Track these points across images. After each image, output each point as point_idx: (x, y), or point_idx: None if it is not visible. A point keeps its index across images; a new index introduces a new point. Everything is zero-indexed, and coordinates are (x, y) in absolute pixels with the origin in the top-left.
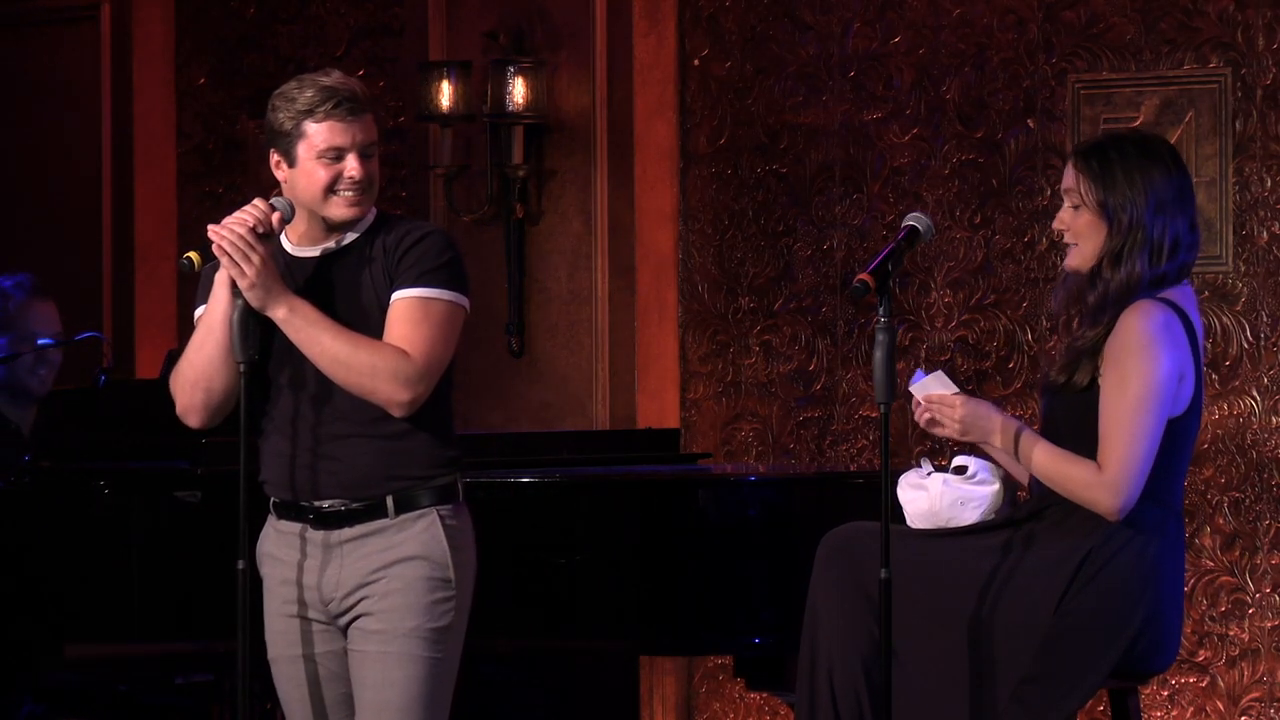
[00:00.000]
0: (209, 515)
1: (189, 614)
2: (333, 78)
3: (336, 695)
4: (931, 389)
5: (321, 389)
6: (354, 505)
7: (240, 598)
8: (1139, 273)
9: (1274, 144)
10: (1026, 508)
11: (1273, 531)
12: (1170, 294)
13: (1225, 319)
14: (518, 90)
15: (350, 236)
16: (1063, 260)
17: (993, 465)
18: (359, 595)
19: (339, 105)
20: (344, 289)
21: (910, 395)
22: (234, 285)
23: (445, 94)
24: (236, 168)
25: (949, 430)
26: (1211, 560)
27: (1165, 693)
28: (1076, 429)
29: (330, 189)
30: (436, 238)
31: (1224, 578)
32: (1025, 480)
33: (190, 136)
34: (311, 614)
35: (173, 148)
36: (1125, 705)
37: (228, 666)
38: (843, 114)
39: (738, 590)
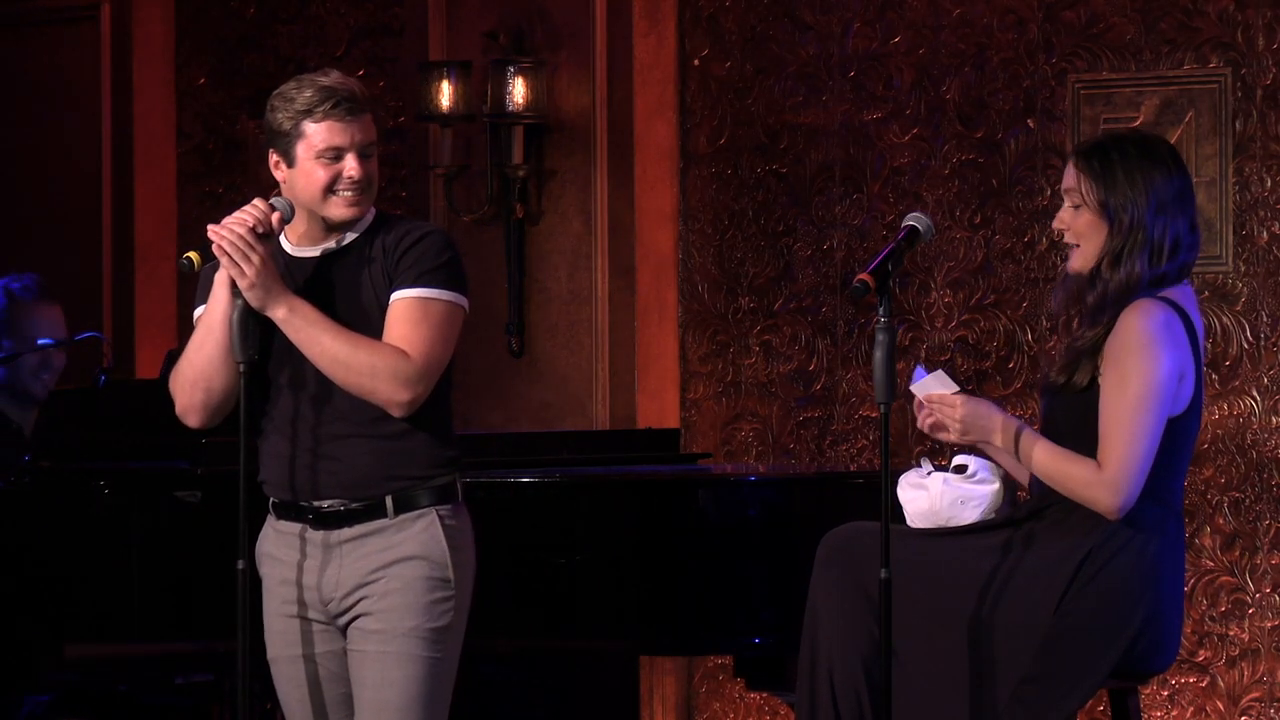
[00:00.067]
0: (209, 515)
1: (189, 614)
2: (331, 78)
3: (336, 695)
4: (931, 388)
5: (321, 389)
6: (353, 505)
7: (240, 598)
8: (1139, 273)
9: (1274, 144)
10: (1026, 507)
11: (1273, 531)
12: (1171, 293)
13: (1225, 319)
14: (518, 90)
15: (350, 236)
16: (1063, 260)
17: (993, 464)
18: (358, 595)
19: (338, 105)
20: (343, 289)
21: (910, 395)
22: (234, 285)
23: (445, 94)
24: (236, 168)
25: (951, 433)
26: (1211, 560)
27: (1165, 693)
28: (1077, 429)
29: (329, 189)
30: (436, 238)
31: (1224, 578)
32: (1025, 480)
33: (190, 136)
34: (311, 614)
35: (173, 148)
36: (1125, 705)
37: (228, 666)
38: (843, 114)
39: (738, 590)
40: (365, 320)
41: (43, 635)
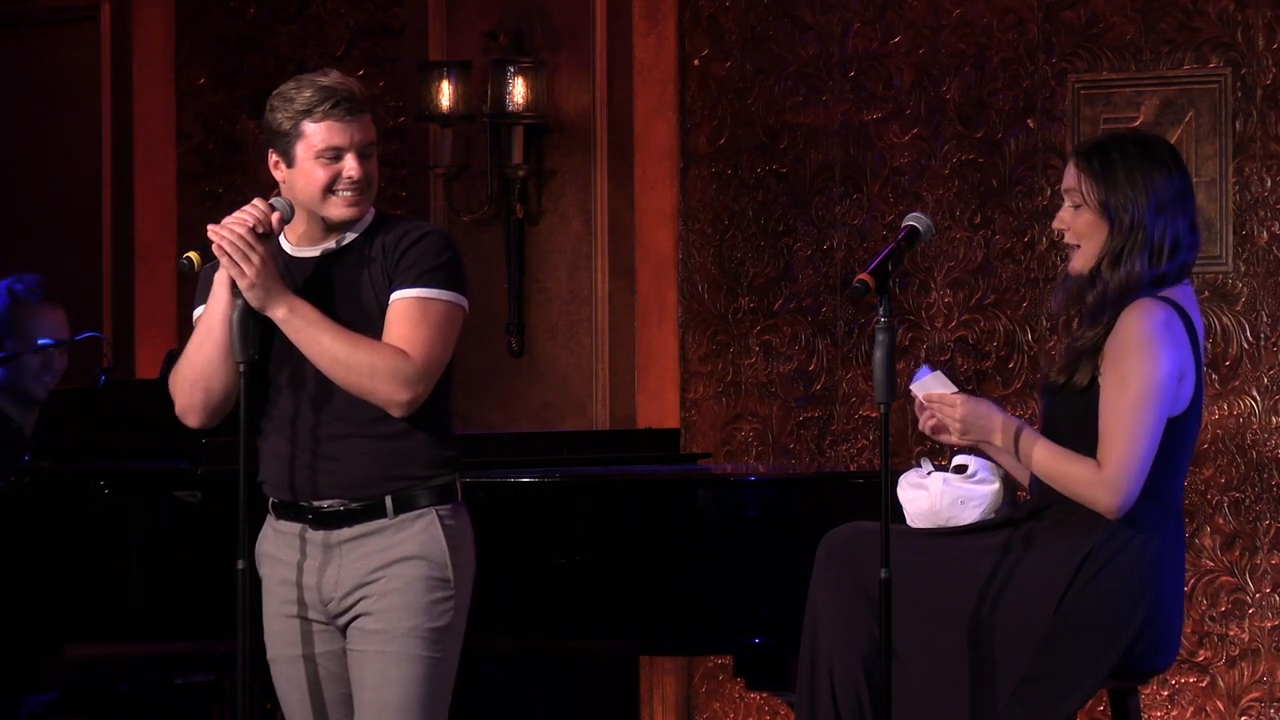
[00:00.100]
0: (209, 515)
1: (189, 614)
2: (331, 78)
3: (336, 695)
4: (931, 388)
5: (321, 389)
6: (353, 505)
7: (240, 598)
8: (1139, 273)
9: (1274, 144)
10: (1026, 507)
11: (1273, 531)
12: (1171, 293)
13: (1225, 319)
14: (518, 90)
15: (349, 236)
16: (1063, 260)
17: (992, 464)
18: (358, 595)
19: (337, 105)
20: (343, 289)
21: (910, 396)
22: (234, 285)
23: (445, 94)
24: (236, 168)
25: (952, 435)
26: (1211, 560)
27: (1165, 693)
28: (1077, 429)
29: (329, 189)
30: (435, 238)
31: (1224, 578)
32: (1025, 480)
33: (190, 136)
34: (311, 614)
35: (173, 148)
36: (1125, 705)
37: (228, 666)
38: (843, 114)
39: (738, 590)
40: (365, 320)
41: (43, 635)
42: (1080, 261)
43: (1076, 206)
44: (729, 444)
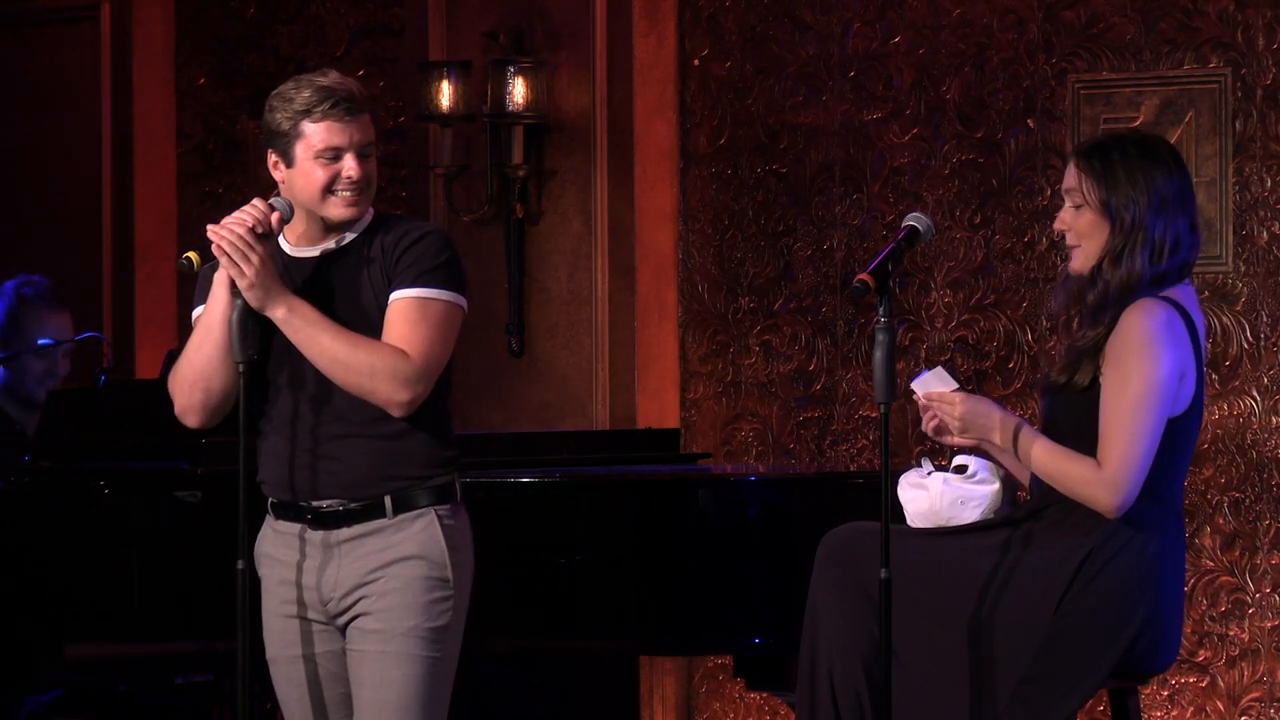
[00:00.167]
0: (209, 515)
1: (189, 614)
2: (330, 78)
3: (335, 695)
4: (932, 386)
5: (320, 389)
6: (352, 505)
7: (240, 598)
8: (1139, 271)
9: (1274, 144)
10: (1026, 507)
11: (1273, 531)
12: (1172, 292)
13: (1225, 319)
14: (518, 90)
15: (349, 237)
16: (1063, 260)
17: (992, 464)
18: (357, 595)
19: (336, 105)
20: (343, 289)
21: (912, 395)
22: (233, 285)
23: (445, 94)
24: (236, 168)
25: (953, 436)
26: (1211, 560)
27: (1165, 693)
28: (1078, 429)
29: (328, 189)
30: (434, 238)
31: (1224, 578)
32: (1026, 479)
33: (190, 136)
34: (310, 614)
35: (173, 148)
36: (1125, 705)
37: (228, 666)
38: (843, 114)
39: (738, 590)
40: (364, 320)
41: (43, 635)
42: (1081, 261)
43: (1078, 207)
44: (729, 444)
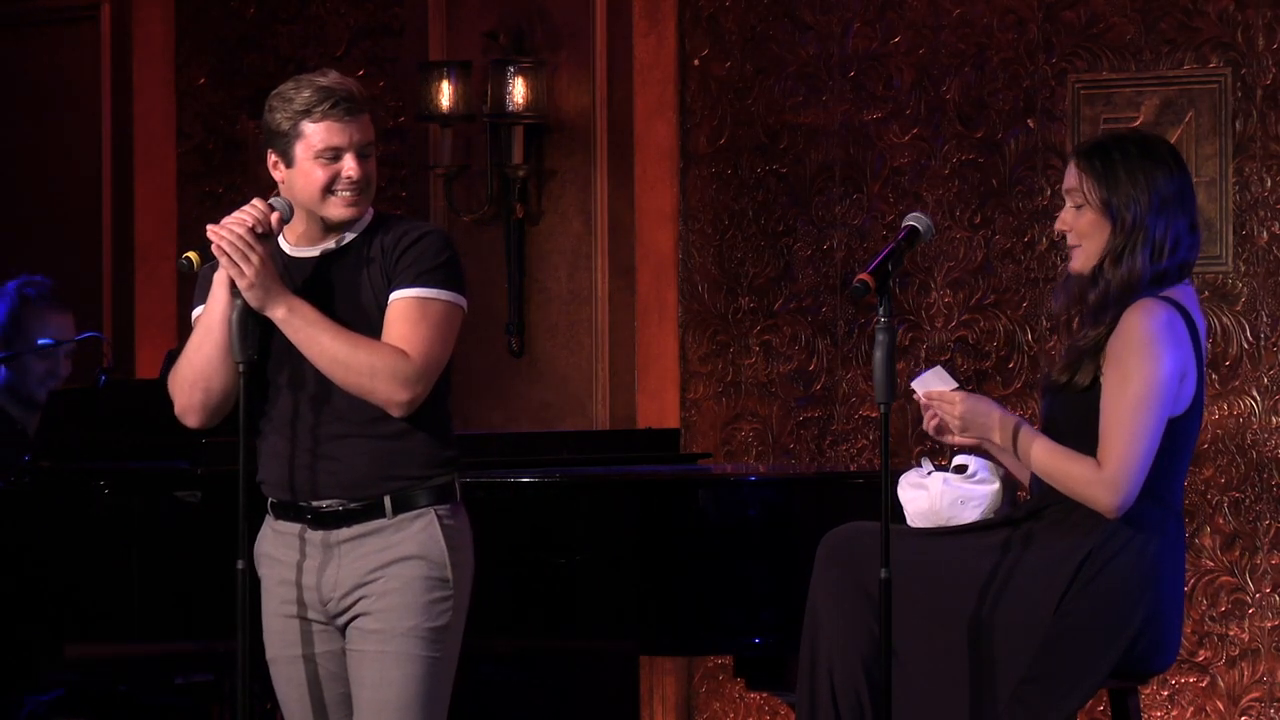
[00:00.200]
0: (209, 515)
1: (189, 614)
2: (329, 78)
3: (335, 695)
4: (931, 385)
5: (320, 389)
6: (352, 505)
7: (240, 598)
8: (1140, 271)
9: (1274, 144)
10: (1026, 507)
11: (1273, 531)
12: (1173, 293)
13: (1225, 319)
14: (518, 90)
15: (348, 237)
16: (1063, 260)
17: (992, 464)
18: (357, 595)
19: (336, 105)
20: (343, 289)
21: (912, 395)
22: (233, 285)
23: (445, 94)
24: (236, 168)
25: (954, 435)
26: (1211, 560)
27: (1165, 693)
28: (1078, 429)
29: (328, 189)
30: (434, 238)
31: (1224, 578)
32: (1026, 479)
33: (190, 136)
34: (310, 614)
35: (173, 148)
36: (1125, 705)
37: (228, 666)
38: (843, 114)
39: (738, 590)
40: (364, 320)
41: (43, 635)
42: (1081, 261)
43: (1078, 206)
44: (729, 444)
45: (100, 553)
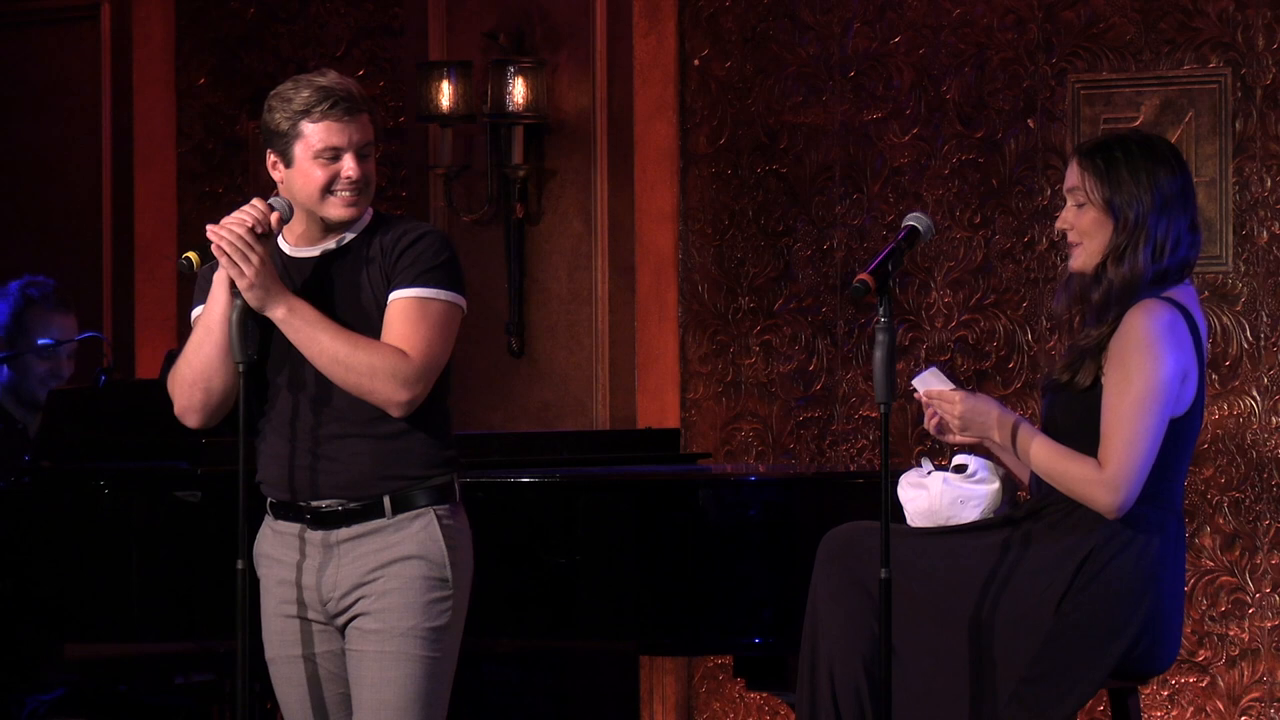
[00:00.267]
0: (209, 515)
1: (189, 614)
2: (329, 78)
3: (335, 695)
4: (930, 384)
5: (320, 389)
6: (351, 505)
7: (240, 598)
8: (1141, 269)
9: (1274, 144)
10: (1026, 506)
11: (1273, 531)
12: (1174, 293)
13: (1225, 319)
14: (518, 90)
15: (348, 237)
16: (1063, 260)
17: (992, 464)
18: (356, 595)
19: (335, 105)
20: (343, 289)
21: (913, 394)
22: (233, 285)
23: (445, 94)
24: (236, 168)
25: (955, 435)
26: (1211, 560)
27: (1165, 693)
28: (1078, 428)
29: (327, 189)
30: (433, 238)
31: (1224, 578)
32: (1027, 478)
33: (190, 136)
34: (309, 614)
35: (173, 148)
36: (1125, 705)
37: (228, 666)
38: (843, 114)
39: (738, 590)
40: (364, 320)
41: (43, 635)
42: (1081, 259)
43: (1080, 205)
44: (729, 444)
45: (100, 553)
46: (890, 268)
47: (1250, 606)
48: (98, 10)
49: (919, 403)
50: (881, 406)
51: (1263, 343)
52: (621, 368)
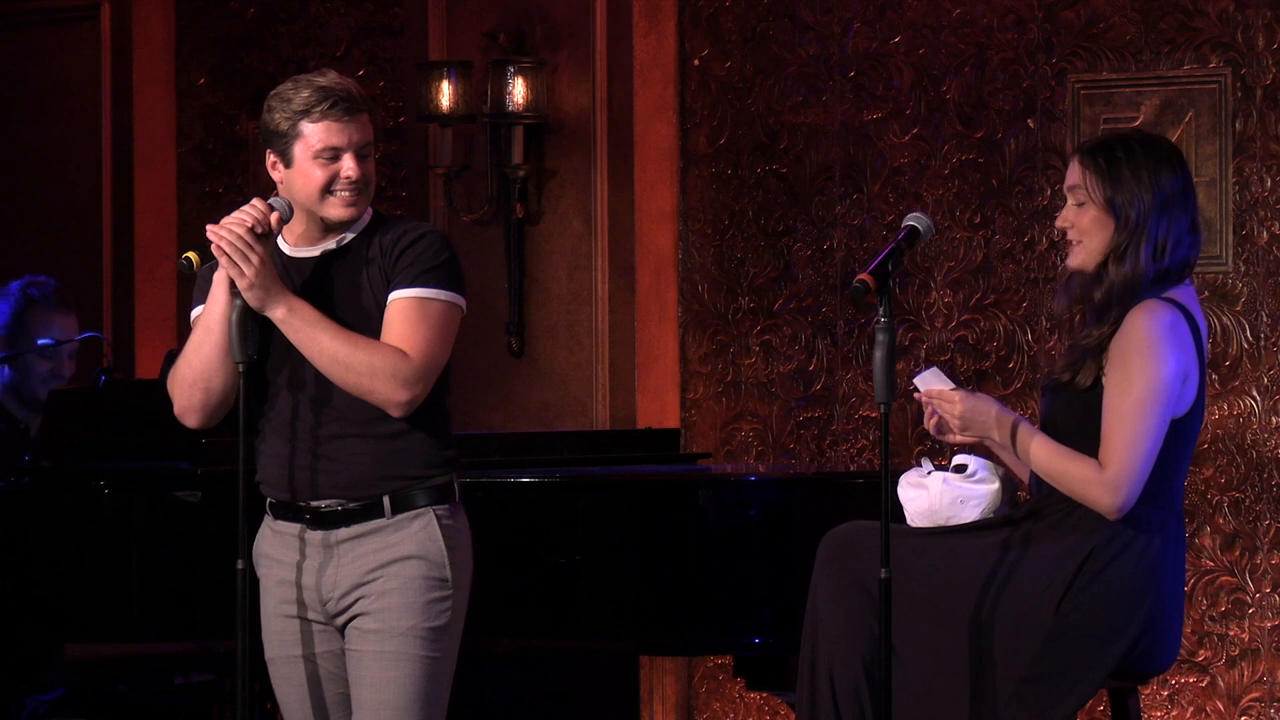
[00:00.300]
0: (209, 515)
1: (189, 614)
2: (328, 78)
3: (334, 695)
4: (930, 384)
5: (319, 389)
6: (351, 505)
7: (240, 598)
8: (1142, 268)
9: (1274, 144)
10: (1026, 506)
11: (1273, 531)
12: (1175, 294)
13: (1225, 319)
14: (518, 90)
15: (348, 237)
16: (1063, 260)
17: (992, 464)
18: (356, 595)
19: (335, 105)
20: (342, 289)
21: (913, 394)
22: (233, 285)
23: (445, 94)
24: (236, 168)
25: (955, 435)
26: (1211, 560)
27: (1165, 693)
28: (1077, 428)
29: (327, 189)
30: (433, 238)
31: (1224, 578)
32: (1027, 478)
33: (190, 136)
34: (309, 614)
35: (173, 148)
36: (1125, 705)
37: (228, 666)
38: (843, 114)
39: (738, 590)
40: (364, 320)
41: (43, 635)
42: (1081, 258)
43: (1080, 204)
44: (729, 444)
45: (100, 553)
46: (890, 268)
47: (1250, 606)
48: (98, 10)
49: (919, 403)
50: (881, 406)
51: (1263, 343)
52: (621, 368)
